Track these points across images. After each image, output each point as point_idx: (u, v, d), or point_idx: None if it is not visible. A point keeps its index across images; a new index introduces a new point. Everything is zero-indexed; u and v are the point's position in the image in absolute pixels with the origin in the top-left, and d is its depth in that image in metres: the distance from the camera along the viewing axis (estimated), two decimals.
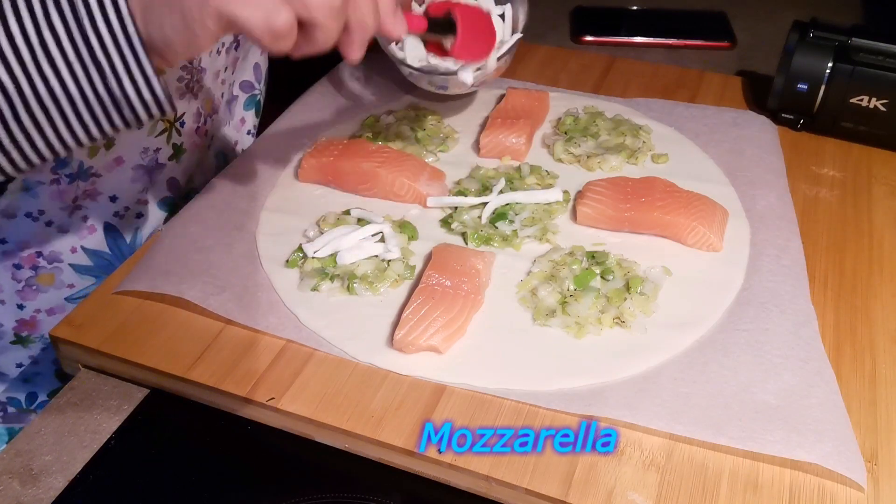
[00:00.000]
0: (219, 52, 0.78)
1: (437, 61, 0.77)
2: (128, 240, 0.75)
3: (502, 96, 0.87)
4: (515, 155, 0.80)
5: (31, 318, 0.73)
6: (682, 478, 0.53)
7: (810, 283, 0.67)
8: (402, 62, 0.79)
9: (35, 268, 0.71)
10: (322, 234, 0.70)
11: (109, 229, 0.74)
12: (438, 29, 0.63)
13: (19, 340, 0.74)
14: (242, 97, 0.89)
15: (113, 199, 0.72)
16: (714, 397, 0.57)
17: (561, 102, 0.87)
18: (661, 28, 1.07)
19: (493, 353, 0.61)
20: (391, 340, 0.61)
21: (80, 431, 0.58)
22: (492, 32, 0.69)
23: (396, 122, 0.84)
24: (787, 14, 0.91)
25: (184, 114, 0.75)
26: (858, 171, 0.81)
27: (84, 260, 0.73)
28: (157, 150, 0.74)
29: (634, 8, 1.12)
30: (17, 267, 0.70)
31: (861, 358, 0.62)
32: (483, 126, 0.83)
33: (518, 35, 0.80)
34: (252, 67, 0.89)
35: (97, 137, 0.49)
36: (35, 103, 0.45)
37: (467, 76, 0.67)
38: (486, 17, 0.69)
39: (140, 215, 0.76)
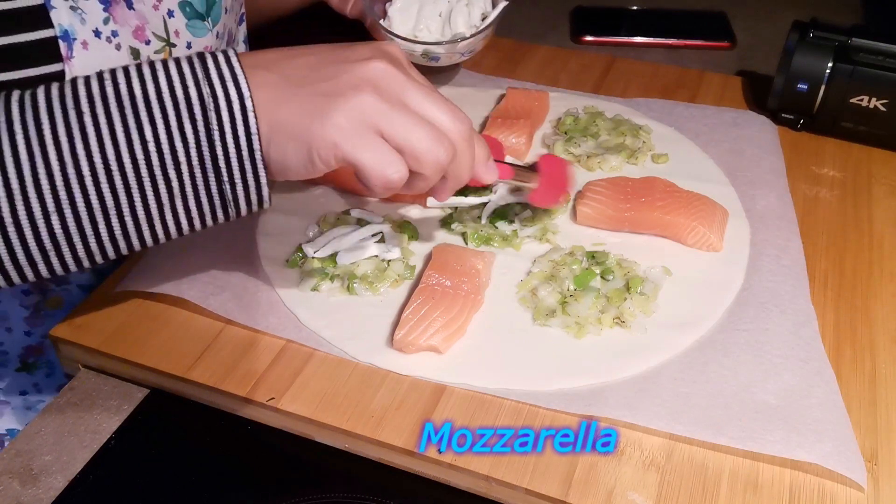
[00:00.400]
0: None
1: (429, 39, 0.82)
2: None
3: (502, 96, 0.87)
4: (515, 155, 0.79)
5: (38, 343, 0.73)
6: (682, 478, 0.53)
7: (810, 283, 0.67)
8: (395, 35, 0.80)
9: (43, 291, 0.70)
10: (322, 234, 0.70)
11: None
12: (523, 175, 0.67)
13: (24, 367, 0.73)
14: None
15: None
16: (714, 397, 0.57)
17: (561, 102, 0.87)
18: (661, 28, 1.06)
19: (493, 353, 0.61)
20: (391, 340, 0.61)
21: (80, 431, 0.58)
22: (568, 178, 0.72)
23: None
24: (787, 14, 0.91)
25: None
26: (858, 171, 0.81)
27: (89, 280, 0.72)
28: None
29: (634, 8, 1.12)
30: (26, 293, 0.70)
31: (861, 358, 0.62)
32: (483, 126, 0.83)
33: (504, 3, 0.81)
34: None
35: (197, 229, 0.51)
36: (153, 198, 0.48)
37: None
38: (566, 164, 0.72)
39: None
